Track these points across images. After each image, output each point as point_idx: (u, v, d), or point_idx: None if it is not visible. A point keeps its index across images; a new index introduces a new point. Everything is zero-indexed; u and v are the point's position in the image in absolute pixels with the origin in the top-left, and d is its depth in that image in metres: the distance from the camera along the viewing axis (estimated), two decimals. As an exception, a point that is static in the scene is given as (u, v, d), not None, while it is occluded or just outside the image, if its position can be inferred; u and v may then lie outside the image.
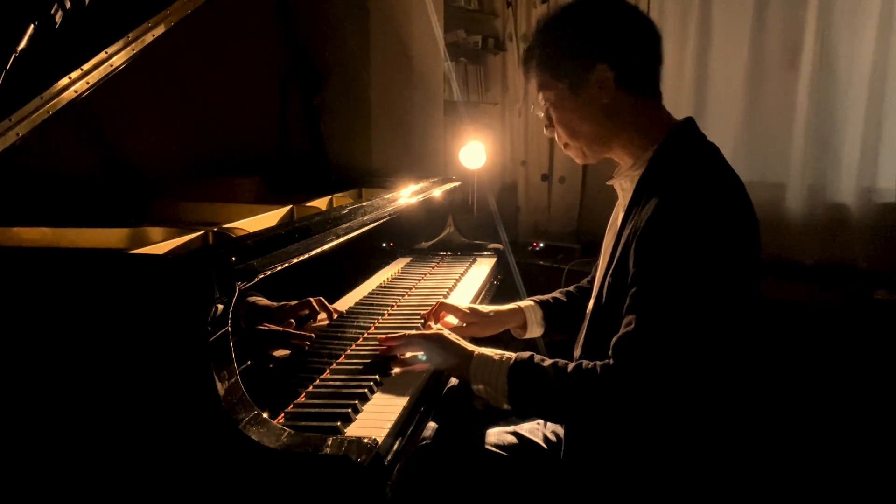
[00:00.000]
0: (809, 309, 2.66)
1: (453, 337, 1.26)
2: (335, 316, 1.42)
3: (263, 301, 1.25)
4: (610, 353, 1.07)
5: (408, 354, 1.26)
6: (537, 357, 1.14)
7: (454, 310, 1.51)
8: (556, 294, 1.59)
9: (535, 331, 1.55)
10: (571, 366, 1.10)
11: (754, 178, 3.21)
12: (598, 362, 1.08)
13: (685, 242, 1.05)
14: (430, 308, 1.52)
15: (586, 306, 1.37)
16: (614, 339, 1.07)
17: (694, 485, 1.17)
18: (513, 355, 1.16)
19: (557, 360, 1.13)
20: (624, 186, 1.28)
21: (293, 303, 1.33)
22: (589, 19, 1.20)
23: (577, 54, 1.19)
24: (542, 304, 1.56)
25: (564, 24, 1.22)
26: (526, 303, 1.56)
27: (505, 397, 1.13)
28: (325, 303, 1.40)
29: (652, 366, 1.03)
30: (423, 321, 1.48)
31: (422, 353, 1.26)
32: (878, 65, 2.87)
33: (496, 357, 1.16)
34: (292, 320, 1.31)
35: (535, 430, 1.32)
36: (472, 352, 1.20)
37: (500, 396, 1.14)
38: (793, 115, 3.08)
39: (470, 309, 1.50)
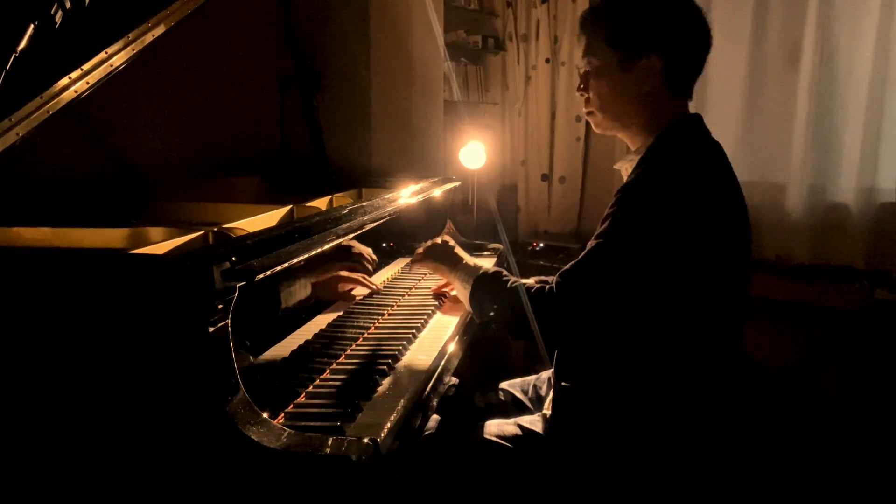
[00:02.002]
0: (809, 309, 2.66)
1: (453, 245, 1.55)
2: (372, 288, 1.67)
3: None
4: (556, 276, 1.22)
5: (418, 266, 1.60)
6: (505, 273, 1.34)
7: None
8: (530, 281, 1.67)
9: None
10: (522, 282, 1.26)
11: (754, 178, 3.21)
12: (543, 285, 1.22)
13: (652, 199, 1.14)
14: (430, 306, 1.55)
15: None
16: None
17: (678, 469, 1.21)
18: (487, 268, 1.40)
19: (522, 279, 1.29)
20: (627, 170, 1.33)
21: (344, 273, 1.62)
22: (660, 7, 1.25)
23: (639, 36, 1.24)
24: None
25: (637, 2, 1.26)
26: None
27: (468, 296, 1.38)
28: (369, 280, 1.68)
29: (577, 295, 1.17)
30: (435, 298, 1.66)
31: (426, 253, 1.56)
32: (878, 65, 2.87)
33: (473, 265, 1.43)
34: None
35: (535, 421, 1.34)
36: (462, 259, 1.48)
37: (465, 295, 1.39)
38: (793, 115, 3.08)
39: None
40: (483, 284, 1.35)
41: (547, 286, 1.21)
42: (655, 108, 1.26)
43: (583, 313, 1.17)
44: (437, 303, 1.61)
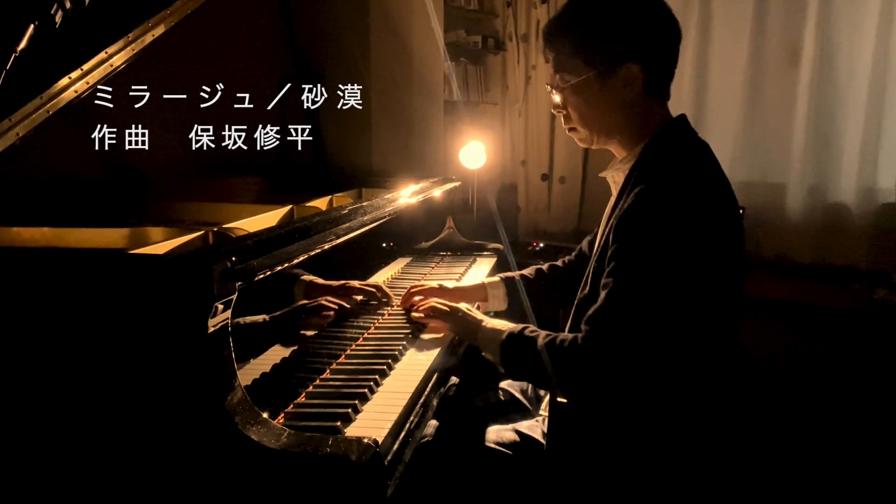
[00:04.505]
0: (809, 309, 2.66)
1: (466, 308, 1.40)
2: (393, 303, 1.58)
3: (320, 280, 1.45)
4: (583, 325, 1.15)
5: (431, 324, 1.43)
6: (529, 329, 1.24)
7: (426, 290, 1.56)
8: (526, 271, 1.65)
9: (497, 305, 1.63)
10: (553, 338, 1.18)
11: (754, 178, 3.21)
12: (575, 334, 1.16)
13: (657, 226, 1.10)
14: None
15: (558, 284, 1.50)
16: (589, 313, 1.14)
17: (677, 475, 1.20)
18: (509, 327, 1.28)
19: (547, 332, 1.21)
20: (616, 179, 1.31)
21: (356, 283, 1.56)
22: (631, 13, 1.20)
23: (614, 47, 1.19)
24: (506, 280, 1.63)
25: (606, 12, 1.21)
26: (491, 279, 1.64)
27: (499, 363, 1.27)
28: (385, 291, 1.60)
29: (617, 338, 1.10)
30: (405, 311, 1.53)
31: (444, 322, 1.41)
32: (878, 65, 2.87)
33: (499, 328, 1.29)
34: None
35: (534, 427, 1.33)
36: (481, 321, 1.34)
37: (497, 361, 1.28)
38: (793, 114, 3.08)
39: (439, 285, 1.60)
40: (512, 349, 1.25)
41: (572, 336, 1.15)
42: (639, 116, 1.23)
43: (622, 361, 1.10)
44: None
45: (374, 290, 1.58)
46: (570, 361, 1.14)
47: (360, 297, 1.56)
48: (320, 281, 1.45)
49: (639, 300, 1.09)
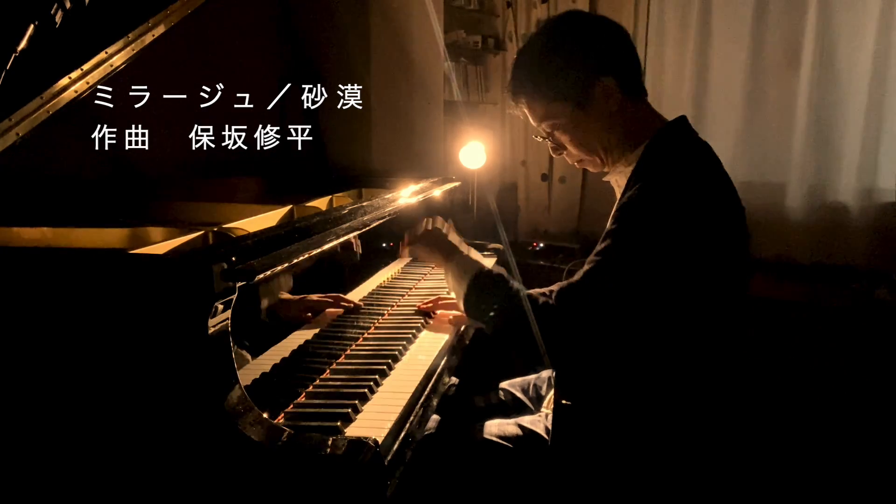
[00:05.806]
0: (809, 309, 2.67)
1: (446, 232, 1.42)
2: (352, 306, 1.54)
3: (286, 294, 1.40)
4: (554, 290, 1.16)
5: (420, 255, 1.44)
6: (507, 276, 1.25)
7: (450, 304, 1.53)
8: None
9: None
10: (525, 291, 1.18)
11: (754, 178, 3.21)
12: (546, 298, 1.16)
13: (654, 216, 1.12)
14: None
15: None
16: (562, 283, 1.16)
17: (679, 474, 1.20)
18: (490, 267, 1.29)
19: (526, 288, 1.21)
20: (619, 182, 1.32)
21: (315, 296, 1.48)
22: (576, 35, 1.24)
23: (578, 72, 1.22)
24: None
25: (552, 47, 1.24)
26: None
27: (462, 294, 1.27)
28: (344, 298, 1.54)
29: (579, 314, 1.12)
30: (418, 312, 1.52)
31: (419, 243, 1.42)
32: (878, 65, 2.88)
33: (471, 259, 1.30)
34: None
35: (537, 421, 1.33)
36: (456, 249, 1.35)
37: (459, 291, 1.28)
38: (793, 114, 3.08)
39: None
40: (481, 285, 1.25)
41: (546, 300, 1.16)
42: (630, 121, 1.25)
43: (582, 330, 1.13)
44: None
45: (331, 300, 1.52)
46: (540, 317, 1.14)
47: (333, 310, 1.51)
48: (285, 295, 1.42)
49: (612, 279, 1.11)
